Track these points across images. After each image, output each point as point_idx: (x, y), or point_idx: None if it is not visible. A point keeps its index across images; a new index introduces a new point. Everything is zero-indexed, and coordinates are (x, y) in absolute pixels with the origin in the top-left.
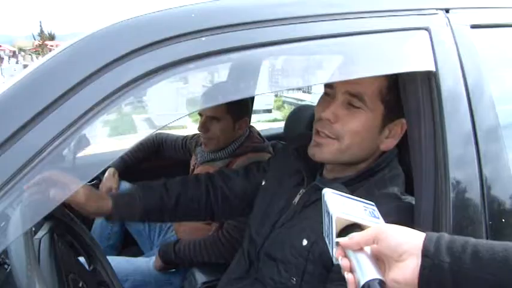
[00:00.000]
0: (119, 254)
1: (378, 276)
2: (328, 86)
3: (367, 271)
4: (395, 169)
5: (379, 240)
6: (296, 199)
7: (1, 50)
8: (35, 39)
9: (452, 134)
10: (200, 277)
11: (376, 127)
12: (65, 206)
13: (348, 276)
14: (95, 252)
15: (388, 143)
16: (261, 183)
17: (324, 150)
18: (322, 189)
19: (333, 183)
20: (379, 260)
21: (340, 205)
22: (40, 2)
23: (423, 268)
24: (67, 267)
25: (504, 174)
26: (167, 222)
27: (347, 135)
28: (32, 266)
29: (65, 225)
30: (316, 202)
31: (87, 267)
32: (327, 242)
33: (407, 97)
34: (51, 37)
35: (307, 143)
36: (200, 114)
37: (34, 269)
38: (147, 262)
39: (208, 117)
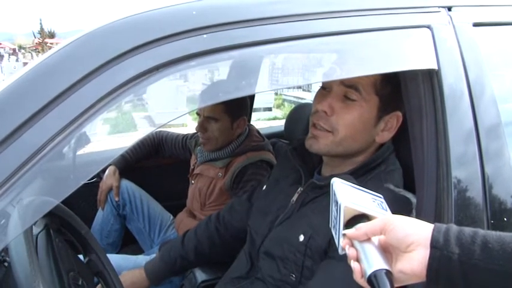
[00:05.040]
0: (119, 252)
1: (385, 267)
2: None
3: (373, 261)
4: (393, 165)
5: (387, 231)
6: (294, 197)
7: (1, 47)
8: (35, 37)
9: (454, 132)
10: (200, 275)
11: (371, 119)
12: (65, 204)
13: (354, 265)
14: (90, 244)
15: (384, 136)
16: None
17: (319, 142)
18: (319, 187)
19: (341, 176)
20: (386, 251)
21: (348, 195)
22: None
23: (432, 259)
24: (65, 264)
25: (506, 172)
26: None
27: (341, 128)
28: (32, 264)
29: (60, 219)
30: (313, 200)
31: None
32: (333, 232)
33: (409, 95)
34: (51, 35)
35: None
36: (198, 114)
37: (34, 266)
38: (148, 260)
39: (206, 118)
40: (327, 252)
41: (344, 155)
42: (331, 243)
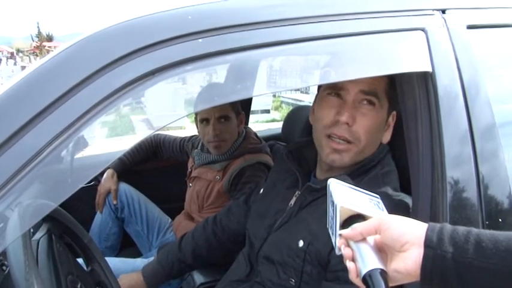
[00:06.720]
0: (117, 255)
1: (380, 266)
2: (336, 87)
3: (369, 261)
4: (388, 166)
5: (382, 230)
6: (292, 201)
7: None
8: (33, 41)
9: (449, 133)
10: (198, 278)
11: (383, 122)
12: (63, 207)
13: (349, 264)
14: (93, 253)
15: (386, 136)
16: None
17: (343, 156)
18: (316, 190)
19: (337, 177)
20: (382, 251)
21: (345, 195)
22: (38, 3)
23: (425, 258)
24: (65, 268)
25: (501, 173)
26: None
27: (363, 137)
28: (30, 268)
29: (62, 226)
30: (311, 203)
31: (85, 268)
32: (330, 232)
33: (404, 97)
34: (49, 38)
35: (302, 145)
36: (206, 120)
37: (32, 270)
38: (146, 263)
39: (218, 119)
40: (326, 258)
41: (363, 160)
42: (332, 256)
